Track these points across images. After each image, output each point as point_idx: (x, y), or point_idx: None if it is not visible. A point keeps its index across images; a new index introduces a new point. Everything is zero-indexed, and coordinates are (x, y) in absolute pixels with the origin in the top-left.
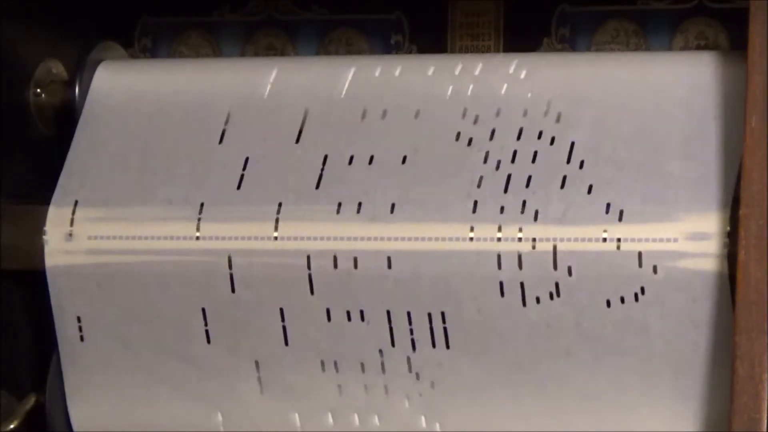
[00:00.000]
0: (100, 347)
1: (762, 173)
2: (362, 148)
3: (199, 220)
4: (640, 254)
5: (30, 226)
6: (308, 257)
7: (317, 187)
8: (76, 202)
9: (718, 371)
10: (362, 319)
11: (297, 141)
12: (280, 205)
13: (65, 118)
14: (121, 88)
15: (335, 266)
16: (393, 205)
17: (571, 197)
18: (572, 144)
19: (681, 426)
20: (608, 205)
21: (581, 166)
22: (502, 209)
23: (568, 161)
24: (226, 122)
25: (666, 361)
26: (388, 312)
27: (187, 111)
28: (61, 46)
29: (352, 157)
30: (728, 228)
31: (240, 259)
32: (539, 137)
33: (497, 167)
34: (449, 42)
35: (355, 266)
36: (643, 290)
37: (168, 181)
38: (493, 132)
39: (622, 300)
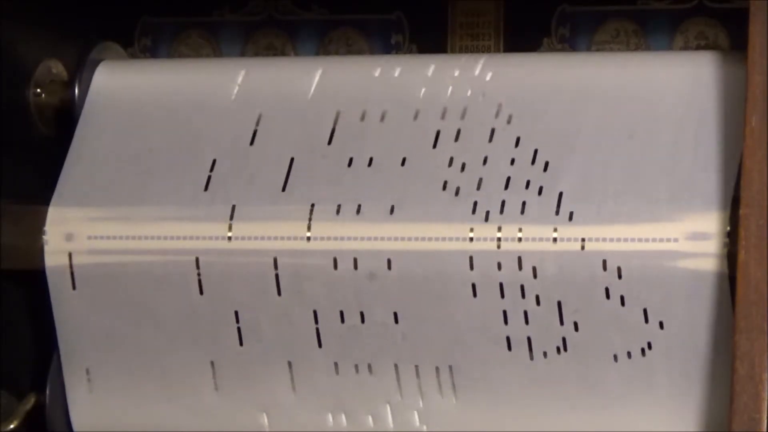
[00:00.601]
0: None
1: (762, 173)
2: (349, 197)
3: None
4: (645, 311)
5: (30, 226)
6: (315, 312)
7: (308, 240)
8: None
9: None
10: (370, 372)
11: (283, 189)
12: (276, 259)
13: (65, 118)
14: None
15: (342, 321)
16: (389, 261)
17: (564, 254)
18: (560, 194)
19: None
20: (605, 262)
21: (570, 217)
22: (499, 266)
23: (557, 213)
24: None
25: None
26: (396, 365)
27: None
28: (61, 46)
29: (339, 207)
30: (728, 228)
31: (246, 313)
32: (527, 187)
33: (486, 219)
34: (449, 42)
35: (362, 320)
36: (650, 345)
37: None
38: (480, 181)
39: (629, 355)
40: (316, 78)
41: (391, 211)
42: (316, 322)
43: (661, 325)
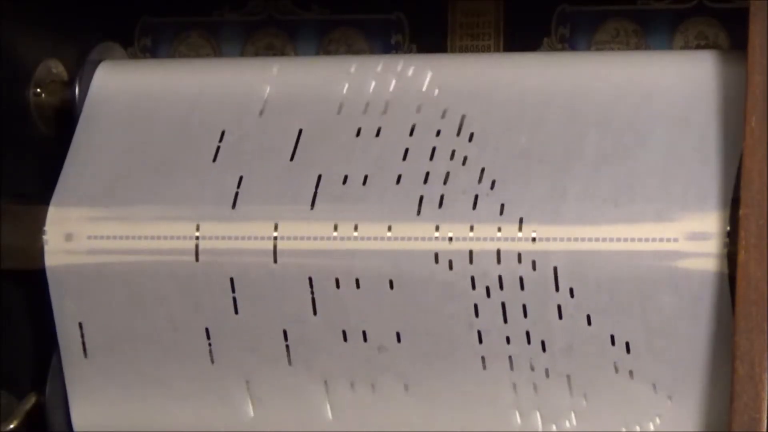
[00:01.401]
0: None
1: (762, 173)
2: (345, 270)
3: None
4: (654, 386)
5: (30, 226)
6: (325, 382)
7: (315, 313)
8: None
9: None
10: None
11: (274, 260)
12: (285, 332)
13: (65, 118)
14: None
15: (352, 388)
16: (398, 334)
17: (572, 331)
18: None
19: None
20: (612, 337)
21: (567, 290)
22: (508, 339)
23: (553, 277)
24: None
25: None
26: None
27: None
28: (61, 46)
29: (337, 281)
30: (728, 228)
31: (256, 376)
32: (519, 259)
33: (488, 294)
34: (449, 42)
35: (373, 390)
36: (659, 417)
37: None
38: (471, 254)
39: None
40: (294, 136)
41: (391, 285)
42: (327, 392)
43: (670, 398)
